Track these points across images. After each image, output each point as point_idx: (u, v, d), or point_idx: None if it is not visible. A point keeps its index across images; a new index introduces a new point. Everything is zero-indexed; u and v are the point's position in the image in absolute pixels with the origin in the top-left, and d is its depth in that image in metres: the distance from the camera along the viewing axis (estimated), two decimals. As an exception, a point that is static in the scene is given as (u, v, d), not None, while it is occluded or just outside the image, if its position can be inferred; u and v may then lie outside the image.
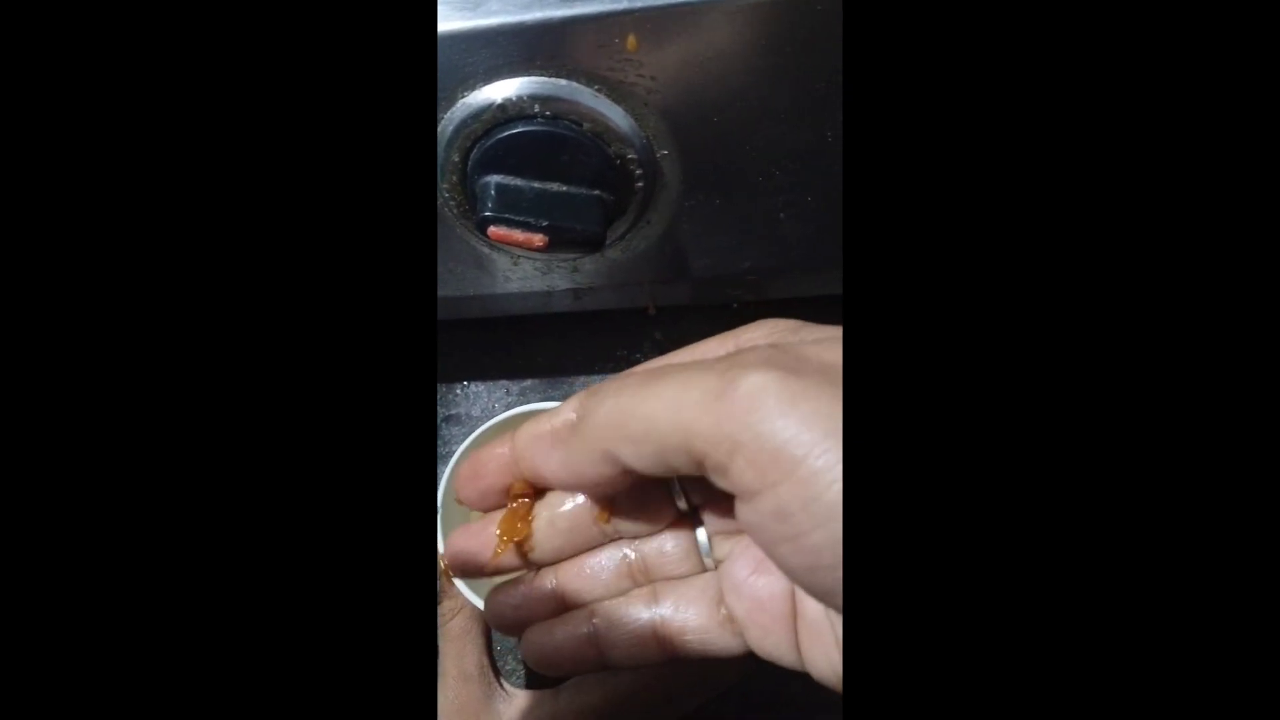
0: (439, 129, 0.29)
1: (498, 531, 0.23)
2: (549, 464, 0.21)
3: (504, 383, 0.49)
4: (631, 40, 0.27)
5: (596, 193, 0.30)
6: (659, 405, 0.18)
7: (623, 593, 0.24)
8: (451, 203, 0.32)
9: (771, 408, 0.16)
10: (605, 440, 0.19)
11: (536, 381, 0.48)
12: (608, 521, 0.23)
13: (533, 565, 0.24)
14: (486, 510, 0.24)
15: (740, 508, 0.18)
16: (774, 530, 0.17)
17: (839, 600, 0.17)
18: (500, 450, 0.23)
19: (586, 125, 0.29)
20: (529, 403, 0.43)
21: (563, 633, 0.23)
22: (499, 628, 0.24)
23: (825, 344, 0.19)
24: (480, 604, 0.34)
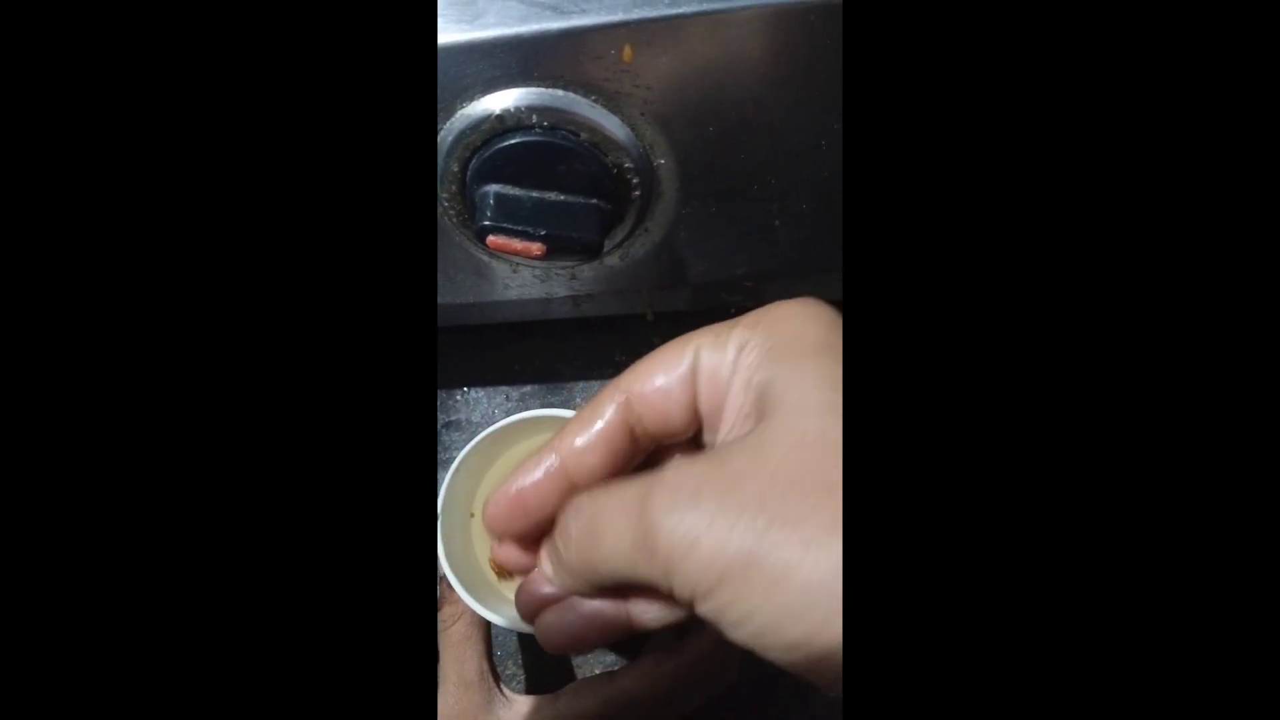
0: (439, 139, 0.30)
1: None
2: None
3: (503, 388, 0.49)
4: (627, 51, 0.27)
5: (594, 201, 0.30)
6: (609, 556, 0.21)
7: None
8: (451, 212, 0.32)
9: (683, 555, 0.19)
10: (587, 582, 0.22)
11: (536, 387, 0.48)
12: None
13: None
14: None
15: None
16: (712, 622, 0.20)
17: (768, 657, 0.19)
18: (535, 478, 0.24)
19: (584, 135, 0.29)
20: (529, 408, 0.43)
21: (591, 604, 0.24)
22: (529, 613, 0.25)
23: (756, 438, 0.20)
24: (481, 609, 0.35)
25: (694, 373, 0.23)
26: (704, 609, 0.19)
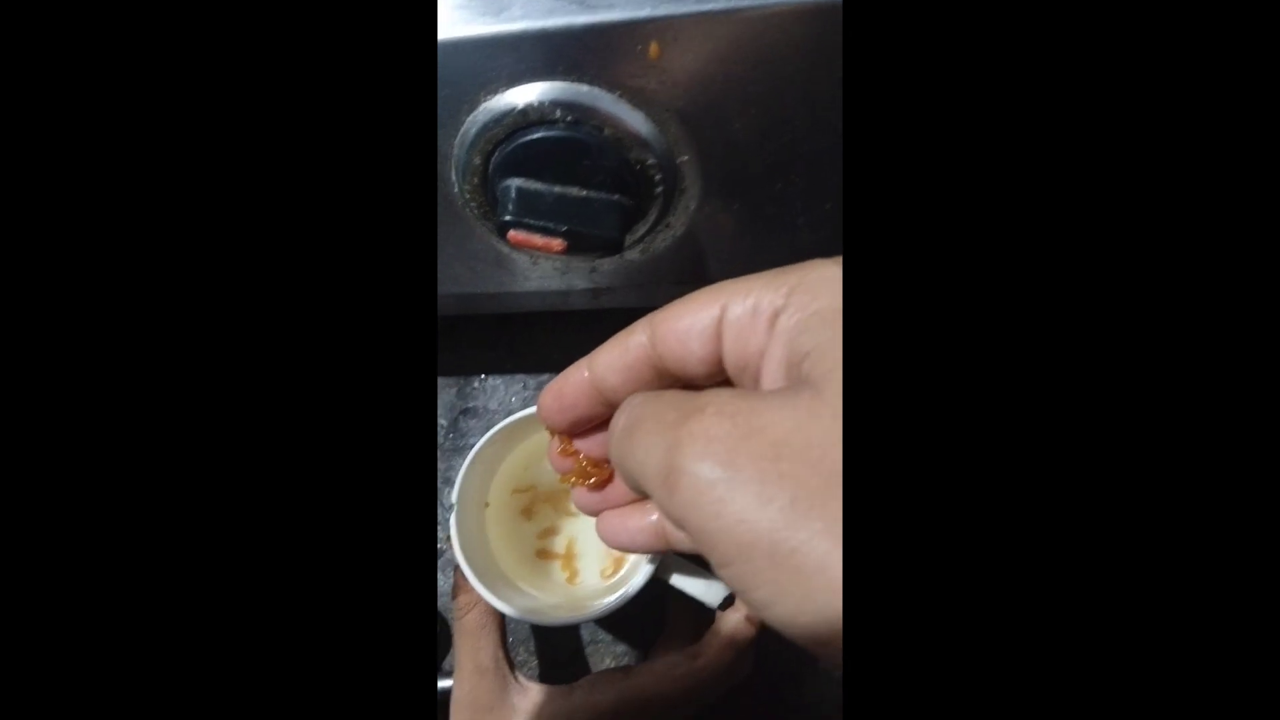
0: (462, 132, 0.30)
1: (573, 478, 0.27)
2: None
3: (521, 377, 0.50)
4: (654, 48, 0.27)
5: (616, 197, 0.30)
6: (637, 469, 0.20)
7: None
8: (472, 204, 0.32)
9: (707, 514, 0.18)
10: (625, 477, 0.22)
11: (553, 376, 0.49)
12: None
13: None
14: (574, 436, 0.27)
15: None
16: (726, 583, 0.19)
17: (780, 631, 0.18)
18: (579, 377, 0.25)
19: (607, 131, 0.29)
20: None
21: (635, 522, 0.26)
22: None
23: (802, 407, 0.18)
24: (492, 599, 0.35)
25: (719, 328, 0.22)
26: (721, 572, 0.18)
